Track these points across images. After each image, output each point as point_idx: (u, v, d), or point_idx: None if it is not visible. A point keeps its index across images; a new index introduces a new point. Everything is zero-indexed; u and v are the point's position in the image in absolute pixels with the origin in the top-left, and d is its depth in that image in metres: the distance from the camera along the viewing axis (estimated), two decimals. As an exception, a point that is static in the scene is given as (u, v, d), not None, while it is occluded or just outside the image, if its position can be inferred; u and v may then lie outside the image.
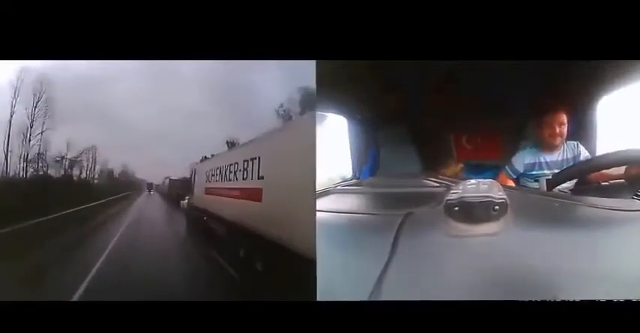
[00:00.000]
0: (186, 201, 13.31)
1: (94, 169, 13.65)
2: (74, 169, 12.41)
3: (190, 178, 12.58)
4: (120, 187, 16.32)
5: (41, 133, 10.45)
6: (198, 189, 10.34)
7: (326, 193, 2.40)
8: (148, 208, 15.52)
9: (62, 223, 8.94)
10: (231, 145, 12.29)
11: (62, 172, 11.81)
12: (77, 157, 12.11)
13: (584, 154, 3.12)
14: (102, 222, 10.63)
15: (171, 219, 12.35)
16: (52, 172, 11.47)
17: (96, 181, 13.97)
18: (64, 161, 11.69)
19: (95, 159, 13.51)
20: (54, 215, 9.06)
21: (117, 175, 16.24)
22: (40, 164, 11.08)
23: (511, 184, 3.12)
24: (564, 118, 3.06)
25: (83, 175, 13.08)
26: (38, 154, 10.82)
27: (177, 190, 16.26)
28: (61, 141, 11.28)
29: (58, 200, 10.09)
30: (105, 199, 13.39)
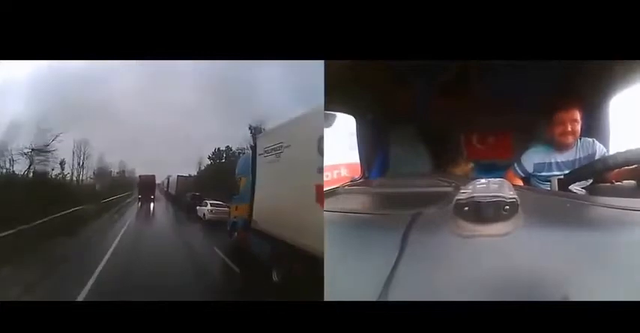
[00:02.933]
0: (207, 208, 10.07)
1: (83, 166, 12.23)
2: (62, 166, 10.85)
3: (236, 167, 7.48)
4: (113, 188, 13.32)
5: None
6: (273, 190, 5.59)
7: (334, 192, 2.40)
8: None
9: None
10: (254, 130, 10.68)
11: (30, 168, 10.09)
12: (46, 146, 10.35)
13: (601, 151, 3.00)
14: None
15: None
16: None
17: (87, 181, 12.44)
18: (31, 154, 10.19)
19: (85, 154, 12.18)
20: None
21: (116, 174, 14.39)
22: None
23: (519, 182, 3.07)
24: (577, 115, 2.94)
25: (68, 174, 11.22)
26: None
27: (191, 191, 13.13)
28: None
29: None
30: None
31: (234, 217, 6.99)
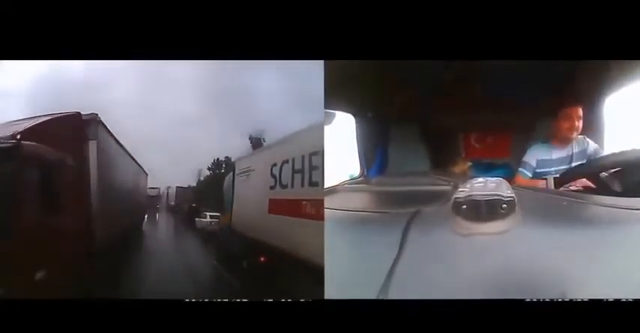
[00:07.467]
0: (207, 220, 10.23)
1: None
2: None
3: (223, 183, 9.18)
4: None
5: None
6: (244, 202, 7.24)
7: (334, 191, 2.41)
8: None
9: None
10: (255, 141, 9.96)
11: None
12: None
13: (593, 146, 3.09)
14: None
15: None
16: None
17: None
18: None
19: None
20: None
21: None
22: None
23: (529, 183, 3.08)
24: (581, 113, 3.02)
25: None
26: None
27: (189, 203, 12.93)
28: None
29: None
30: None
31: (224, 224, 8.53)
